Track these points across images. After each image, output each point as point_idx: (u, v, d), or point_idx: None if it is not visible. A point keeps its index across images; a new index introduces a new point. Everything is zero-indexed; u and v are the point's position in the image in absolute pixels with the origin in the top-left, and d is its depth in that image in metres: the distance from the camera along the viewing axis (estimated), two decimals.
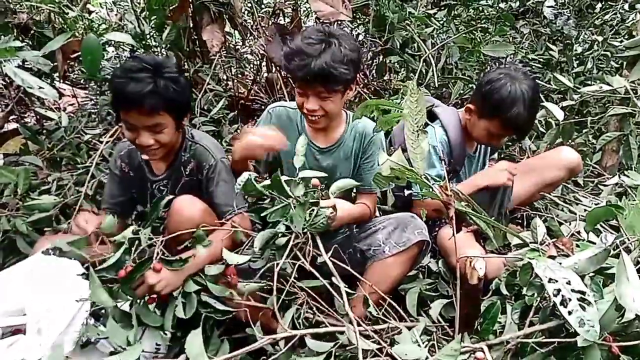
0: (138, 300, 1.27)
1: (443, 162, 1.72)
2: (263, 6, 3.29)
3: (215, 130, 2.41)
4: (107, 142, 2.15)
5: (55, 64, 2.44)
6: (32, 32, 2.71)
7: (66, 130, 2.25)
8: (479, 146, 2.04)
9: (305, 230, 1.27)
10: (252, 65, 3.52)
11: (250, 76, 3.40)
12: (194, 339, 1.18)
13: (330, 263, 1.31)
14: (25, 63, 2.32)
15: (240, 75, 3.23)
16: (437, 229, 1.87)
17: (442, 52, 2.78)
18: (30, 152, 2.18)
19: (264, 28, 2.74)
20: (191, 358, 1.11)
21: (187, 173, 1.62)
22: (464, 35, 2.86)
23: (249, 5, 3.09)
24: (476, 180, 1.81)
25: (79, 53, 2.59)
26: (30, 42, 2.61)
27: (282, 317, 1.26)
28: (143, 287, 1.25)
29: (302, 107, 1.55)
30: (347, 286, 1.29)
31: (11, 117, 3.07)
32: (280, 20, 3.23)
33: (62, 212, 1.84)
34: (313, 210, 1.30)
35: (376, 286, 1.42)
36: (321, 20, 2.53)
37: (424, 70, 2.66)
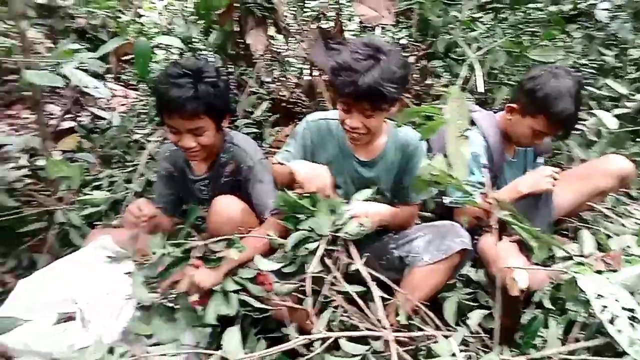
0: (181, 298, 1.32)
1: (484, 168, 1.67)
2: (306, 10, 3.32)
3: (257, 132, 2.46)
4: (155, 142, 2.23)
5: (109, 65, 2.57)
6: (88, 35, 2.87)
7: (117, 129, 2.35)
8: (519, 151, 1.98)
9: (337, 235, 1.28)
10: (294, 69, 3.57)
11: (292, 79, 3.45)
12: (232, 335, 1.22)
13: (364, 269, 1.32)
14: (81, 65, 2.46)
15: (282, 79, 3.28)
16: (477, 237, 1.83)
17: (488, 57, 2.71)
18: (85, 149, 2.29)
19: (306, 32, 2.77)
20: (228, 353, 1.14)
21: (226, 174, 1.66)
22: (510, 39, 2.78)
23: (293, 9, 3.14)
24: (517, 186, 1.72)
25: (130, 55, 2.72)
26: (87, 45, 2.76)
27: (318, 319, 1.27)
28: (184, 282, 1.29)
29: (343, 123, 1.51)
30: (384, 292, 1.29)
31: (67, 116, 3.25)
32: (323, 24, 3.25)
33: (112, 208, 1.93)
34: (341, 216, 1.32)
35: (414, 293, 1.41)
36: (364, 24, 2.53)
37: (467, 75, 2.61)
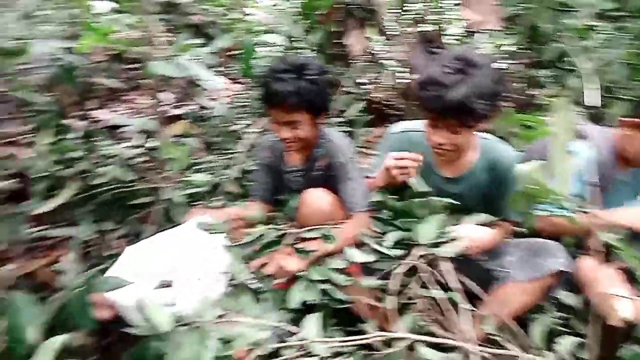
0: (267, 279, 1.39)
1: (588, 184, 1.55)
2: (407, 12, 3.30)
3: (349, 131, 2.50)
4: (253, 133, 2.36)
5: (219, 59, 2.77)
6: (201, 31, 3.10)
7: (220, 119, 2.53)
8: (634, 171, 1.80)
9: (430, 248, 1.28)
10: (390, 71, 3.56)
11: (387, 82, 3.44)
12: (312, 320, 1.27)
13: (452, 277, 1.29)
14: (194, 58, 2.68)
15: (377, 80, 3.29)
16: (575, 258, 1.70)
17: (604, 69, 2.50)
18: (190, 135, 2.49)
19: (407, 35, 2.76)
20: (308, 336, 1.20)
21: (318, 168, 1.72)
22: (632, 50, 2.54)
23: (394, 12, 3.13)
24: (619, 217, 1.52)
25: (236, 51, 2.90)
26: (200, 40, 2.99)
27: (398, 319, 1.28)
28: (272, 265, 1.37)
29: (429, 139, 1.46)
30: (468, 302, 1.26)
31: (177, 104, 3.55)
32: (423, 27, 3.21)
33: (211, 190, 2.08)
34: (444, 233, 1.32)
35: (501, 309, 1.35)
36: (468, 29, 2.46)
37: (578, 87, 2.43)
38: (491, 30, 2.45)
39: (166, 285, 1.48)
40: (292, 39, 2.77)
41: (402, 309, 1.35)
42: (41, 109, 2.35)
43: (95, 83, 3.97)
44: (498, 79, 1.35)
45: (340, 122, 2.49)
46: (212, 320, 1.26)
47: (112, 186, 2.12)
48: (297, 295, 1.36)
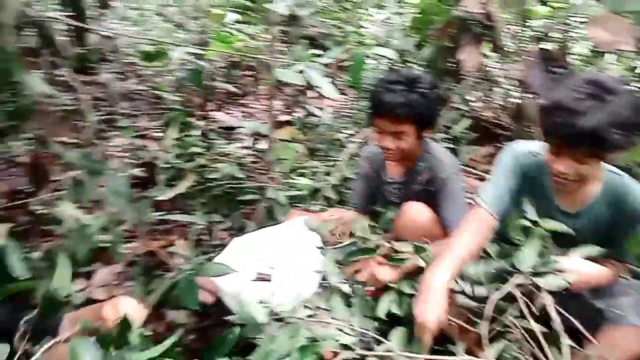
0: (358, 286, 1.42)
1: None
2: (528, 29, 3.14)
3: (453, 148, 2.45)
4: (355, 143, 2.42)
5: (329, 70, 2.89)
6: (315, 42, 3.26)
7: (326, 127, 2.63)
8: None
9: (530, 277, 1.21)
10: (502, 90, 3.42)
11: (498, 100, 3.31)
12: (399, 333, 1.28)
13: (554, 311, 1.22)
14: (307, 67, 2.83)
15: (487, 98, 3.18)
16: None
17: None
18: (297, 140, 2.63)
19: (526, 52, 2.63)
20: (395, 347, 1.21)
21: (419, 181, 1.71)
22: None
23: (513, 28, 3.01)
24: None
25: (345, 63, 2.99)
26: (314, 51, 3.15)
27: (489, 346, 1.23)
28: (365, 273, 1.39)
29: (551, 166, 1.33)
30: (570, 339, 1.17)
31: (285, 110, 3.76)
32: (545, 45, 3.03)
33: (312, 194, 2.17)
34: (548, 263, 1.24)
35: (610, 353, 1.23)
36: (596, 48, 2.28)
37: None
38: (623, 50, 2.24)
39: (265, 278, 1.58)
40: (403, 52, 2.79)
41: (495, 336, 1.29)
42: (171, 107, 2.65)
43: (216, 87, 4.37)
44: (637, 107, 1.21)
45: (445, 138, 2.45)
46: (304, 317, 1.32)
47: (224, 182, 2.31)
48: (385, 306, 1.37)
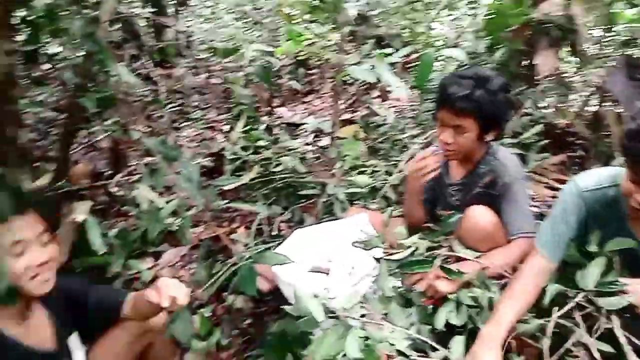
0: (417, 294, 1.41)
1: None
2: (613, 34, 2.95)
3: (522, 154, 2.35)
4: (418, 144, 2.40)
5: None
6: (383, 42, 3.26)
7: (389, 126, 2.62)
8: None
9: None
10: (578, 97, 3.23)
11: (573, 107, 3.13)
12: (458, 343, 1.26)
13: (621, 332, 1.15)
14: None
15: (562, 105, 3.02)
16: None
17: None
18: (359, 139, 2.65)
19: (608, 58, 2.48)
20: (453, 355, 1.19)
21: (481, 185, 1.66)
22: None
23: (595, 32, 2.84)
24: None
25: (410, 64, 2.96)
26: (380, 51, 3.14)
27: None
28: (424, 283, 1.38)
29: (631, 196, 1.21)
30: None
31: (348, 109, 3.78)
32: (631, 51, 2.83)
33: (370, 192, 2.18)
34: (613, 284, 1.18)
35: None
36: None
37: None
38: None
39: (322, 272, 1.62)
40: (473, 55, 2.72)
41: (561, 356, 1.25)
42: (240, 102, 2.76)
43: (282, 84, 4.48)
44: None
45: (513, 144, 2.36)
46: (357, 316, 1.34)
47: (286, 175, 2.38)
48: (443, 317, 1.35)
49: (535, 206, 2.17)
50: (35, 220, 1.10)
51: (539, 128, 2.44)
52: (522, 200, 1.55)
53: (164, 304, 1.16)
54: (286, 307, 1.38)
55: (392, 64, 2.23)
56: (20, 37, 1.79)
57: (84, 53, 1.62)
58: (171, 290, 1.18)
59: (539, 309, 1.30)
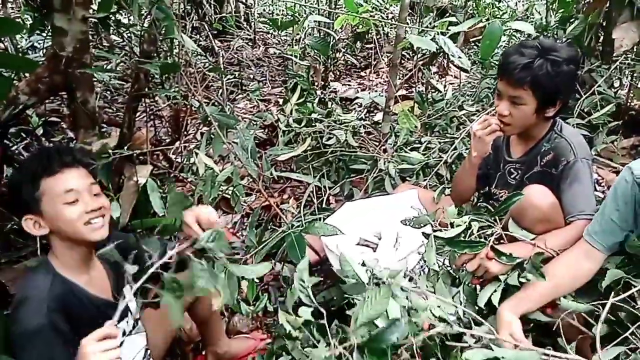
0: (466, 273, 1.38)
1: None
2: None
3: (589, 136, 2.21)
4: (475, 121, 2.31)
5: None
6: (446, 14, 3.12)
7: (447, 103, 2.54)
8: None
9: None
10: None
11: None
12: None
13: None
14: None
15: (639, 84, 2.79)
16: None
17: None
18: (414, 115, 2.58)
19: None
20: (492, 328, 1.17)
21: (542, 163, 1.57)
22: None
23: None
24: None
25: (478, 38, 2.82)
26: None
27: (604, 350, 1.13)
28: (474, 263, 1.35)
29: None
30: None
31: (404, 85, 3.70)
32: None
33: (423, 169, 2.14)
34: None
35: None
36: None
37: None
38: None
39: (370, 245, 1.62)
40: (544, 28, 2.55)
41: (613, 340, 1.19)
42: (296, 74, 2.76)
43: (337, 58, 4.44)
44: None
45: (580, 124, 2.21)
46: (402, 285, 1.33)
47: (338, 149, 2.38)
48: (486, 295, 1.31)
49: (599, 190, 2.05)
50: (86, 173, 1.17)
51: (610, 108, 2.27)
52: (585, 181, 1.45)
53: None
54: (336, 270, 1.40)
55: (455, 36, 2.14)
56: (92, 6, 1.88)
57: (150, 22, 1.69)
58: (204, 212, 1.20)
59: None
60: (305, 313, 1.26)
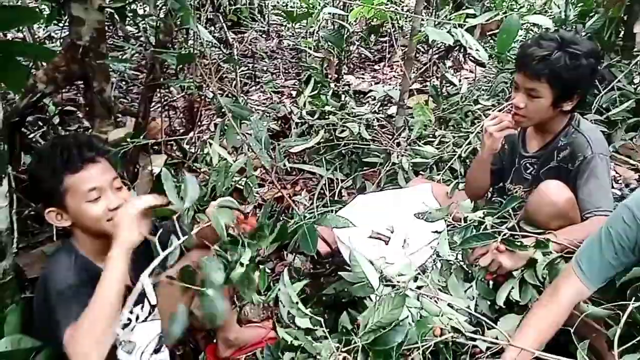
0: (479, 268, 1.37)
1: None
2: None
3: (607, 132, 2.17)
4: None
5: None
6: (461, 7, 3.08)
7: (462, 97, 2.51)
8: None
9: None
10: None
11: None
12: (510, 320, 1.23)
13: None
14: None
15: None
16: None
17: None
18: (428, 108, 2.56)
19: None
20: (503, 331, 1.16)
21: (558, 159, 1.55)
22: None
23: None
24: None
25: (495, 31, 2.78)
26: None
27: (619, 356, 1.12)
28: (487, 258, 1.34)
29: None
30: None
31: (418, 79, 3.67)
32: None
33: (436, 163, 2.13)
34: None
35: None
36: None
37: None
38: None
39: (382, 239, 1.62)
40: (563, 22, 2.51)
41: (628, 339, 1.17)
42: (309, 67, 2.76)
43: (351, 51, 4.41)
44: None
45: (597, 121, 2.18)
46: (413, 287, 1.33)
47: (351, 141, 2.37)
48: (505, 294, 1.31)
49: (616, 188, 2.02)
50: (107, 167, 1.19)
51: (630, 104, 2.23)
52: (602, 177, 1.43)
53: None
54: (342, 273, 1.40)
55: (471, 29, 2.11)
56: None
57: (165, 12, 1.69)
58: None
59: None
60: (304, 323, 1.27)
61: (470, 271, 1.43)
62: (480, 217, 1.53)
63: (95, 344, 0.98)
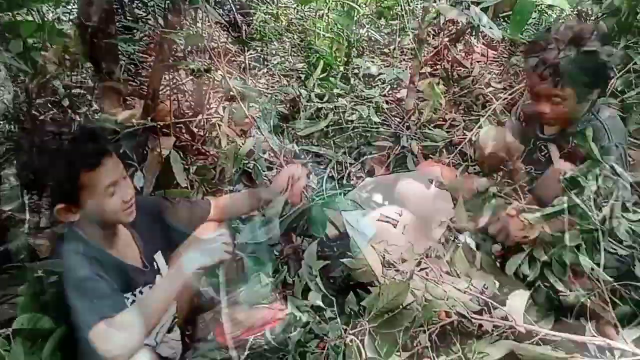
0: (487, 241, 1.37)
1: None
2: None
3: (622, 116, 2.12)
4: (503, 99, 2.25)
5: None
6: None
7: (473, 80, 2.48)
8: None
9: None
10: None
11: None
12: (520, 297, 1.22)
13: None
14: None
15: None
16: None
17: None
18: (439, 92, 2.53)
19: None
20: (510, 309, 1.16)
21: (574, 144, 1.54)
22: None
23: None
24: None
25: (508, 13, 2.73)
26: None
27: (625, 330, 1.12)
28: (498, 225, 1.33)
29: None
30: None
31: (429, 62, 3.61)
32: None
33: (446, 147, 2.11)
34: None
35: None
36: None
37: None
38: None
39: (390, 222, 1.62)
40: (579, 2, 2.44)
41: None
42: (319, 49, 2.72)
43: (361, 33, 4.34)
44: None
45: (611, 104, 2.13)
46: (415, 268, 1.33)
47: (360, 124, 2.36)
48: (514, 264, 1.29)
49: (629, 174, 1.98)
50: (116, 159, 1.20)
51: None
52: (617, 163, 1.41)
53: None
54: (345, 261, 1.41)
55: (484, 10, 2.07)
56: None
57: None
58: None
59: None
60: (316, 298, 1.28)
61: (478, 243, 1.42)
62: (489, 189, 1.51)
63: (129, 344, 1.02)
